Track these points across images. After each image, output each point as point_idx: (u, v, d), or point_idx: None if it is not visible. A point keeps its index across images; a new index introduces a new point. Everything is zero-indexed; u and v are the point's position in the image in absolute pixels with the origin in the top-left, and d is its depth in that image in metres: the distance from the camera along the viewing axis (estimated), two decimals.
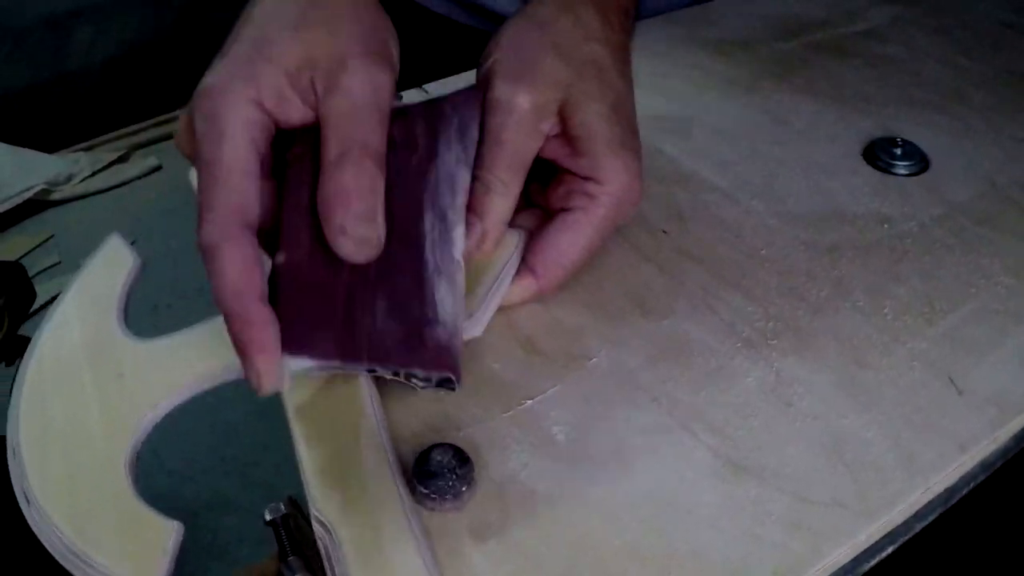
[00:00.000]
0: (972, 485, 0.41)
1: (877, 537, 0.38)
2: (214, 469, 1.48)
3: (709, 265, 0.49)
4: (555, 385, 0.42)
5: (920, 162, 0.57)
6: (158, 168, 2.22)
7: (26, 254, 1.96)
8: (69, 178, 2.18)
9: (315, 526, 0.35)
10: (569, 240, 0.46)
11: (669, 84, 0.65)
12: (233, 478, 1.47)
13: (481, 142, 0.44)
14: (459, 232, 0.42)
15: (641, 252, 0.50)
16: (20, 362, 1.12)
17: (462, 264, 0.41)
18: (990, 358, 0.44)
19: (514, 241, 0.46)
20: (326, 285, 0.38)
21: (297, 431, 0.40)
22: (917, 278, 0.49)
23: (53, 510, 0.36)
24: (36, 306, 1.09)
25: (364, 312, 0.38)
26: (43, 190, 2.12)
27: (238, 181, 0.37)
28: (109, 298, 0.46)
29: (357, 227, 0.38)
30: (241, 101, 0.38)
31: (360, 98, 0.39)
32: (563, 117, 0.45)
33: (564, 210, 0.46)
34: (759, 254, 0.50)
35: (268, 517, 0.60)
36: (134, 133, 2.31)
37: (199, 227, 0.37)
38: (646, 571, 0.35)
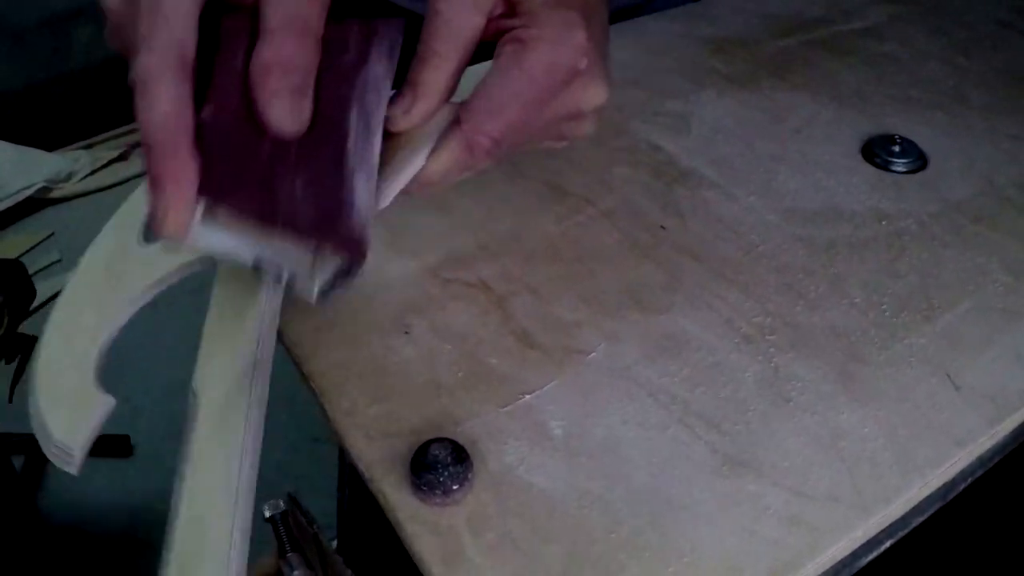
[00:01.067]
0: (969, 480, 0.41)
1: (874, 532, 0.38)
2: None
3: (707, 261, 0.49)
4: (553, 380, 0.42)
5: (918, 160, 0.57)
6: None
7: (26, 252, 1.96)
8: (69, 176, 2.18)
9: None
10: (496, 84, 0.40)
11: (667, 81, 0.65)
12: None
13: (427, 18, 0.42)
14: (378, 139, 0.40)
15: (639, 248, 0.50)
16: (20, 360, 1.13)
17: (376, 168, 0.40)
18: (987, 355, 0.44)
19: (444, 115, 0.42)
20: (250, 148, 0.38)
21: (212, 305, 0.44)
22: (915, 275, 0.49)
23: (39, 391, 0.42)
24: (36, 304, 1.09)
25: (283, 183, 0.38)
26: (43, 188, 2.12)
27: (182, 20, 0.37)
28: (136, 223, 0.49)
29: (289, 97, 0.37)
30: None
31: None
32: None
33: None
34: (757, 250, 0.50)
35: (267, 514, 0.60)
36: (133, 132, 2.31)
37: (135, 60, 0.36)
38: (643, 566, 0.35)
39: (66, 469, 0.41)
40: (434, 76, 0.40)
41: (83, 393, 0.42)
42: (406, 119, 0.41)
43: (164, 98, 0.35)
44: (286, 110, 0.37)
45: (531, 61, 0.40)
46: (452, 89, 0.41)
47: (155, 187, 0.35)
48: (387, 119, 0.40)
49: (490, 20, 0.41)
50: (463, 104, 0.41)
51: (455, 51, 0.41)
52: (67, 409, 0.41)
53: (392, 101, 0.41)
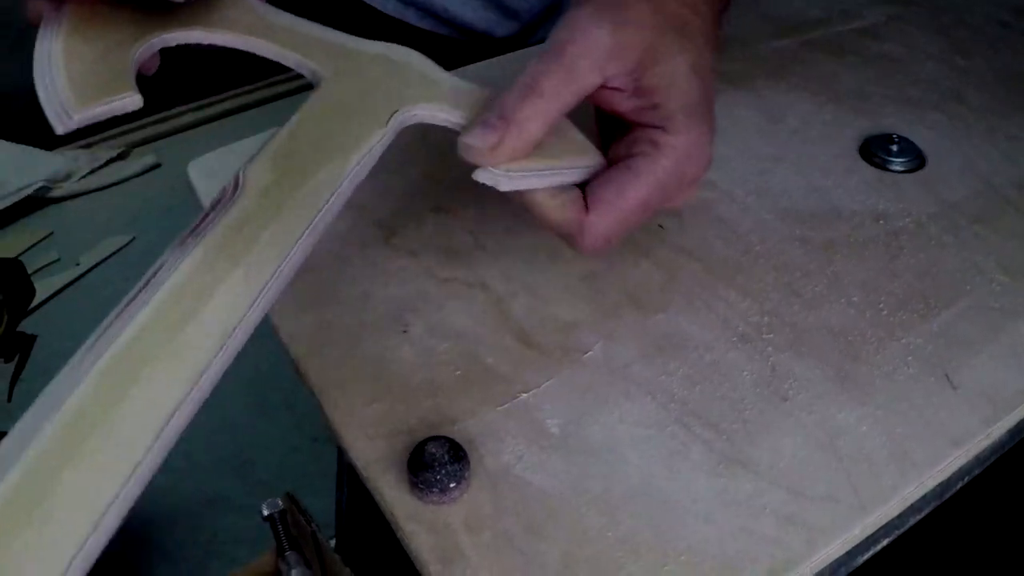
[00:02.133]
0: (966, 479, 0.42)
1: (871, 531, 0.38)
2: (212, 467, 1.48)
3: (705, 261, 0.49)
4: (550, 379, 0.42)
5: (916, 159, 0.57)
6: (157, 166, 2.22)
7: (25, 251, 1.95)
8: (68, 175, 2.18)
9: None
10: (627, 180, 0.42)
11: None
12: (231, 477, 1.47)
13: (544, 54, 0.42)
14: None
15: (637, 247, 0.50)
16: (19, 358, 1.12)
17: None
18: (984, 354, 0.44)
19: (592, 155, 0.44)
20: None
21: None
22: (912, 274, 0.49)
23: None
24: (35, 303, 1.09)
25: None
26: (42, 187, 2.12)
27: None
28: None
29: None
30: None
31: None
32: (642, 66, 0.42)
33: (628, 156, 0.43)
34: (755, 250, 0.50)
35: (266, 512, 0.60)
36: (133, 131, 2.31)
37: None
38: (640, 565, 0.35)
39: (53, 125, 0.40)
40: (533, 113, 0.40)
41: (114, 73, 0.41)
42: (492, 155, 0.40)
43: None
44: None
45: (666, 170, 0.42)
46: (542, 135, 0.41)
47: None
48: (467, 147, 0.40)
49: (618, 93, 0.43)
50: (592, 186, 0.43)
51: (562, 98, 0.41)
52: (90, 76, 0.41)
53: (472, 127, 0.40)
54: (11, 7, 2.19)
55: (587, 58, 0.41)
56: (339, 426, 0.41)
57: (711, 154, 0.44)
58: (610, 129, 0.46)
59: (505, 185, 0.40)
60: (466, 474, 0.37)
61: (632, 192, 0.42)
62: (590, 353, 0.44)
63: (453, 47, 0.77)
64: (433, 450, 0.37)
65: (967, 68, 0.68)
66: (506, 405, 0.41)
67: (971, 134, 0.61)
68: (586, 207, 0.42)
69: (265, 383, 1.54)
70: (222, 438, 1.51)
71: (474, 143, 0.40)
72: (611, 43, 0.41)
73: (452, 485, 0.36)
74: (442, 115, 0.43)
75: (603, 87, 0.43)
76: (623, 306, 0.46)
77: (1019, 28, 0.75)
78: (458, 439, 0.38)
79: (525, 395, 0.41)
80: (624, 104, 0.43)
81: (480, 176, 0.40)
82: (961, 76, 0.67)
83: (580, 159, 0.43)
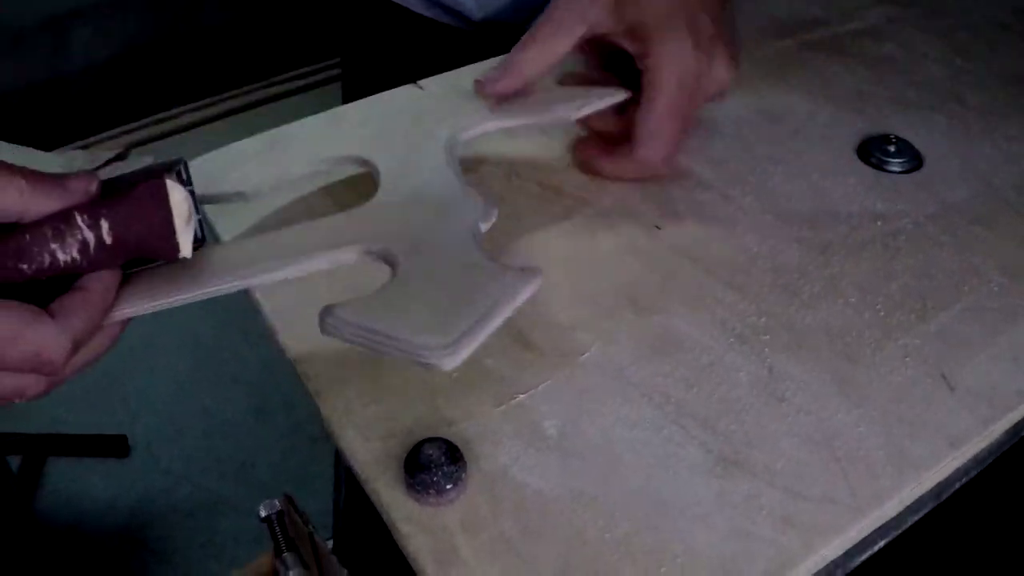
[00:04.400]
0: (964, 480, 0.41)
1: (868, 532, 0.38)
2: (210, 469, 1.48)
3: (702, 262, 0.49)
4: (547, 380, 0.42)
5: (913, 160, 0.57)
6: None
7: None
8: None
9: None
10: (647, 110, 0.51)
11: None
12: (229, 478, 1.47)
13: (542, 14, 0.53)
14: None
15: (635, 248, 0.50)
16: None
17: None
18: (982, 355, 0.44)
19: (617, 90, 0.54)
20: None
21: None
22: (910, 275, 0.49)
23: None
24: None
25: None
26: None
27: None
28: None
29: None
30: None
31: None
32: (620, 4, 0.51)
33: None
34: (752, 251, 0.50)
35: (263, 513, 0.60)
36: (132, 131, 2.31)
37: None
38: (637, 567, 0.35)
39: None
40: (525, 56, 0.52)
41: None
42: (492, 87, 0.52)
43: None
44: None
45: (663, 82, 0.50)
46: (540, 73, 0.53)
47: None
48: (482, 82, 0.52)
49: (607, 35, 0.52)
50: (634, 132, 0.52)
51: (552, 43, 0.52)
52: None
53: (486, 75, 0.53)
54: (10, 8, 2.19)
55: (570, 9, 0.52)
56: (336, 427, 0.41)
57: (693, 46, 0.51)
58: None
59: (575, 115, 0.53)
60: (463, 476, 0.37)
61: (653, 117, 0.51)
62: (587, 355, 0.44)
63: (461, 38, 0.77)
64: (430, 452, 0.37)
65: (967, 69, 0.68)
66: (503, 407, 0.41)
67: (970, 135, 0.61)
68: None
69: (264, 385, 1.54)
70: (221, 439, 1.51)
71: (483, 81, 0.52)
72: None
73: (449, 487, 0.36)
74: None
75: (601, 35, 0.52)
76: (621, 307, 0.46)
77: (1019, 30, 0.75)
78: (455, 441, 0.38)
79: (522, 396, 0.41)
80: (623, 44, 0.52)
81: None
82: (961, 77, 0.67)
83: (607, 92, 0.54)
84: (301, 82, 2.46)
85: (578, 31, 0.52)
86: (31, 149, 2.30)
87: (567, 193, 0.54)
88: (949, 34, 0.73)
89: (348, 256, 0.42)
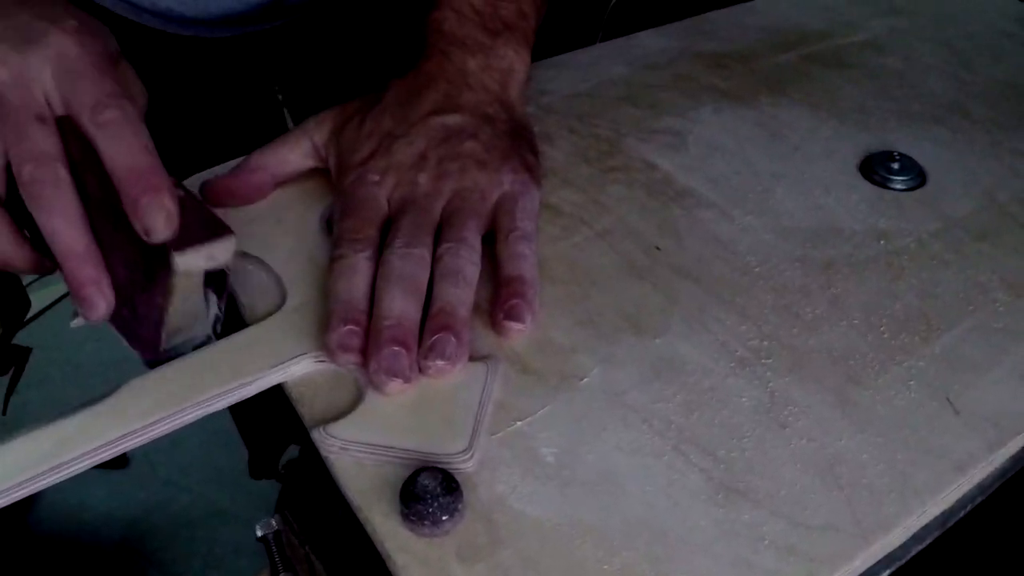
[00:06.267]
0: (970, 507, 0.41)
1: (872, 561, 0.37)
2: (210, 480, 1.47)
3: (703, 282, 0.48)
4: (546, 406, 0.41)
5: (917, 177, 0.56)
6: None
7: None
8: None
9: None
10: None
11: (664, 97, 0.65)
12: (229, 489, 1.46)
13: None
14: None
15: (635, 269, 0.49)
16: (14, 371, 1.11)
17: None
18: (988, 377, 0.44)
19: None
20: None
21: None
22: (914, 295, 0.48)
23: None
24: (30, 315, 1.09)
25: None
26: None
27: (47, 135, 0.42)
28: None
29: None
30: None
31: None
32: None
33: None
34: (754, 271, 0.49)
35: (260, 533, 0.60)
36: None
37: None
38: None
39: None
40: (251, 159, 0.55)
41: None
42: (220, 184, 0.53)
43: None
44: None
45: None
46: (266, 177, 0.55)
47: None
48: (210, 183, 0.53)
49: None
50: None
51: (279, 148, 0.55)
52: None
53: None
54: None
55: (301, 127, 0.55)
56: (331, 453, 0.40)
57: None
58: None
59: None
60: (459, 506, 0.36)
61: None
62: (587, 379, 0.43)
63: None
64: (426, 482, 0.36)
65: (971, 81, 0.68)
66: (501, 433, 0.40)
67: (975, 148, 0.60)
68: None
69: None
70: (219, 450, 1.51)
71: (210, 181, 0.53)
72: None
73: (445, 518, 0.36)
74: None
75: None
76: (620, 330, 0.45)
77: (1022, 40, 0.74)
78: (451, 469, 0.38)
79: (520, 423, 0.41)
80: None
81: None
82: (965, 89, 0.67)
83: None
84: None
85: (303, 144, 0.54)
86: None
87: (565, 212, 0.53)
88: (952, 45, 0.73)
89: (301, 367, 0.43)
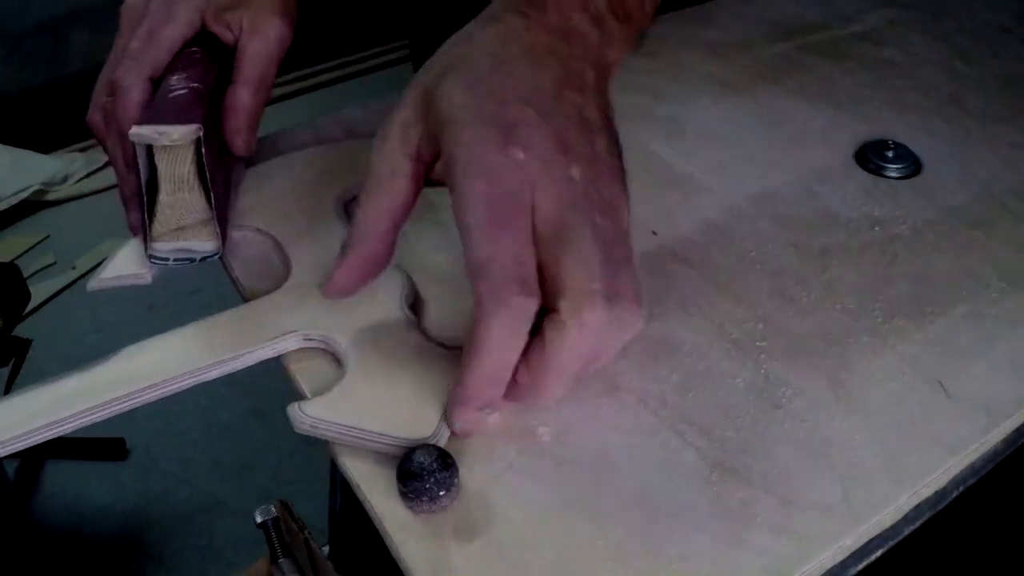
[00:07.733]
0: (961, 489, 0.41)
1: (864, 541, 0.37)
2: (209, 472, 1.48)
3: (699, 267, 0.49)
4: None
5: (912, 165, 0.57)
6: None
7: (21, 255, 1.95)
8: (65, 179, 2.18)
9: None
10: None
11: (662, 85, 0.65)
12: (228, 481, 1.47)
13: None
14: None
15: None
16: (14, 363, 1.12)
17: None
18: (980, 362, 0.44)
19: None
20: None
21: None
22: (907, 281, 0.48)
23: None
24: (31, 307, 1.09)
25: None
26: (39, 191, 2.12)
27: (168, 42, 0.51)
28: None
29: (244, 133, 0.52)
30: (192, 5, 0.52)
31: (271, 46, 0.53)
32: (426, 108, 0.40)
33: None
34: (749, 256, 0.50)
35: (259, 519, 0.60)
36: None
37: (118, 65, 0.51)
38: (632, 575, 0.35)
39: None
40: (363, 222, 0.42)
41: None
42: (338, 283, 0.44)
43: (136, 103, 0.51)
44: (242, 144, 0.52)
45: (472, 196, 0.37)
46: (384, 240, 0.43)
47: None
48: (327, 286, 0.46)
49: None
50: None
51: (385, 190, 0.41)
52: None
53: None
54: (10, 11, 2.19)
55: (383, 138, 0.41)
56: None
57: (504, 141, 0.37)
58: None
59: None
60: (455, 482, 0.36)
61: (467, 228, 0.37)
62: None
63: None
64: (421, 459, 0.36)
65: (967, 73, 0.68)
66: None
67: (970, 140, 0.60)
68: None
69: (262, 387, 1.54)
70: (219, 443, 1.51)
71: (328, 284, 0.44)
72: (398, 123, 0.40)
73: (441, 494, 0.36)
74: None
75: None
76: None
77: (1020, 33, 0.75)
78: (447, 447, 0.38)
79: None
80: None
81: None
82: (961, 81, 0.67)
83: None
84: (298, 85, 2.46)
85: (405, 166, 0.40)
86: (28, 152, 2.30)
87: None
88: (949, 38, 0.73)
89: (289, 344, 0.44)
